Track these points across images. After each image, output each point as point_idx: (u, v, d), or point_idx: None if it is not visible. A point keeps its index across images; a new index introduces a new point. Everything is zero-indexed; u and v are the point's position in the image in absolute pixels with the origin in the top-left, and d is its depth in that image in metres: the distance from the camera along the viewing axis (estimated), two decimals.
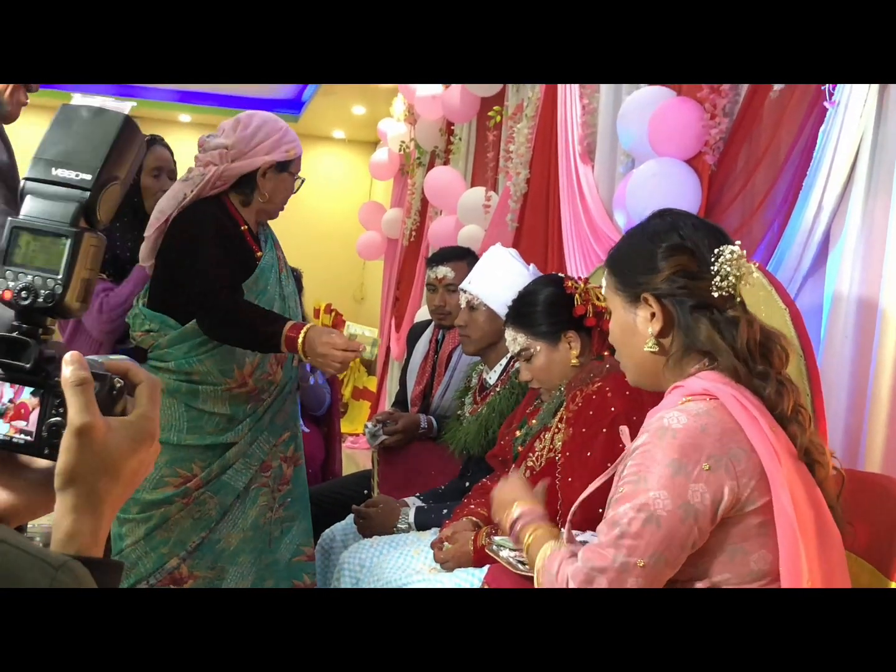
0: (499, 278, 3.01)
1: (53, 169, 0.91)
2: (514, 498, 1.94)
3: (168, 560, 2.65)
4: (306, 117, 9.62)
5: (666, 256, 1.66)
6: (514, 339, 2.55)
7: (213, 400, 2.71)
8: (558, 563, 1.64)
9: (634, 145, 3.44)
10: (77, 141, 0.92)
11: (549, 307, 2.53)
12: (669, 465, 1.51)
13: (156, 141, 3.35)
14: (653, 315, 1.67)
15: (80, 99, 0.95)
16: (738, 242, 1.65)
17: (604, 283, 1.80)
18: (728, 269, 1.60)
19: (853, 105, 2.47)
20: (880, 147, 2.47)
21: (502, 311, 2.97)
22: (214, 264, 2.64)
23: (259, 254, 2.80)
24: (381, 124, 7.95)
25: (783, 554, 1.50)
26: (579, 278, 2.61)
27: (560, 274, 2.84)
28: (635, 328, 1.71)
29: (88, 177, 0.90)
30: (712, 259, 1.62)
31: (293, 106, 9.76)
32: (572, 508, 1.80)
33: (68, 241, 0.90)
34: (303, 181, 2.90)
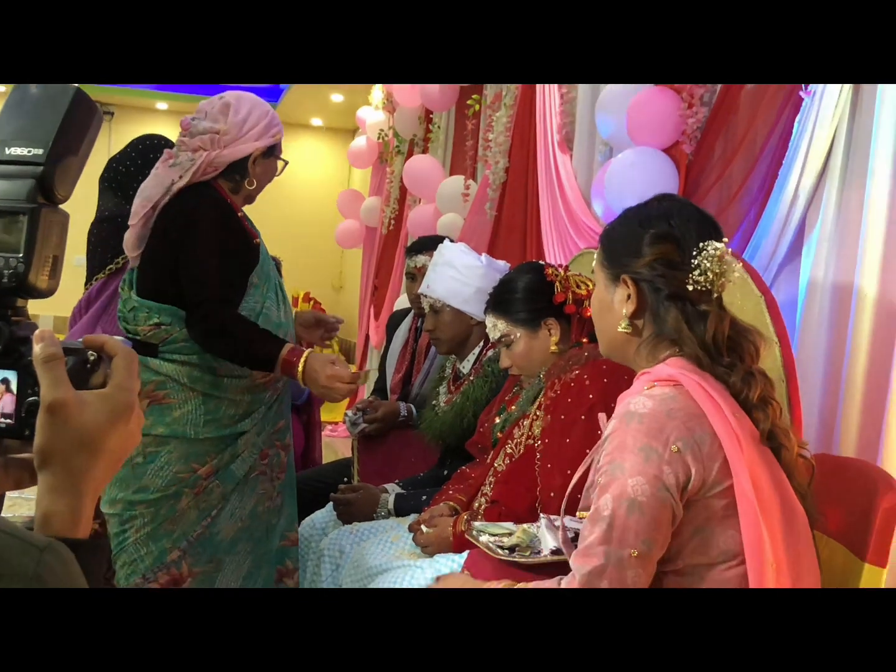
0: (455, 277, 3.03)
1: (7, 148, 0.89)
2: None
3: (170, 554, 2.60)
4: (284, 104, 9.59)
5: (651, 243, 1.67)
6: (495, 326, 2.57)
7: (234, 390, 2.66)
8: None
9: (612, 134, 3.46)
10: (29, 118, 0.91)
11: (529, 294, 2.54)
12: (641, 450, 1.53)
13: None
14: (628, 297, 1.70)
15: None
16: (725, 240, 1.66)
17: (595, 255, 1.83)
18: (707, 264, 1.62)
19: (829, 95, 2.49)
20: (855, 136, 2.50)
21: (466, 307, 3.01)
22: (213, 265, 2.57)
23: (257, 240, 2.75)
24: (360, 112, 7.94)
25: (746, 536, 1.52)
26: (560, 266, 2.63)
27: (541, 261, 2.86)
28: (611, 306, 1.74)
29: (41, 151, 0.89)
30: (695, 253, 1.64)
31: (271, 93, 9.73)
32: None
33: (26, 219, 0.88)
34: (286, 163, 2.87)
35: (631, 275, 1.69)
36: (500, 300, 2.59)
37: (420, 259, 3.69)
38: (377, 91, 7.68)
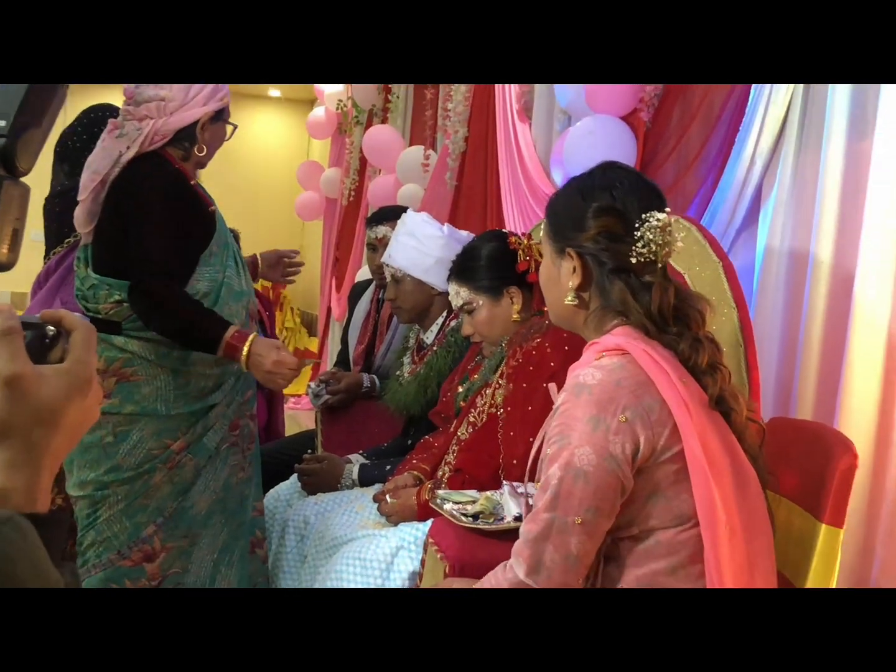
0: (416, 247, 3.03)
1: None
2: None
3: (144, 528, 2.55)
4: None
5: (595, 216, 1.67)
6: (457, 293, 2.58)
7: (202, 364, 2.60)
8: (497, 571, 1.67)
9: (571, 103, 3.47)
10: None
11: (493, 262, 2.56)
12: (589, 421, 1.54)
13: None
14: (574, 270, 1.70)
15: None
16: (667, 210, 1.66)
17: (542, 227, 1.83)
18: (650, 236, 1.62)
19: None
20: (811, 102, 2.52)
21: (427, 277, 3.02)
22: (160, 239, 2.48)
23: (212, 208, 2.67)
24: None
25: (698, 498, 1.54)
26: (523, 234, 2.64)
27: (504, 230, 2.86)
28: (558, 278, 1.74)
29: (3, 123, 0.88)
30: (637, 224, 1.64)
31: None
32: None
33: None
34: (235, 128, 2.79)
35: (575, 248, 1.69)
36: (463, 267, 2.61)
37: (381, 229, 3.68)
38: None
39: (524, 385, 2.31)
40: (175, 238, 2.52)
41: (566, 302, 1.72)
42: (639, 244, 1.63)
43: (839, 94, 2.36)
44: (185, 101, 2.59)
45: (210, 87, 2.63)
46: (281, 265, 3.11)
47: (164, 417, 2.56)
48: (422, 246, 3.02)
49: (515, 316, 2.53)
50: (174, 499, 2.59)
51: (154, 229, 2.49)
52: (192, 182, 2.65)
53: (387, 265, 3.14)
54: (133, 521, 2.54)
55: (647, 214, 1.63)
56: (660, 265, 1.65)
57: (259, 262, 3.11)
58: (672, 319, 1.65)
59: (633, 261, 1.63)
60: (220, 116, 2.70)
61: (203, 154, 2.67)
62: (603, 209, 1.67)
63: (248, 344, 2.46)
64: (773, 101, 2.57)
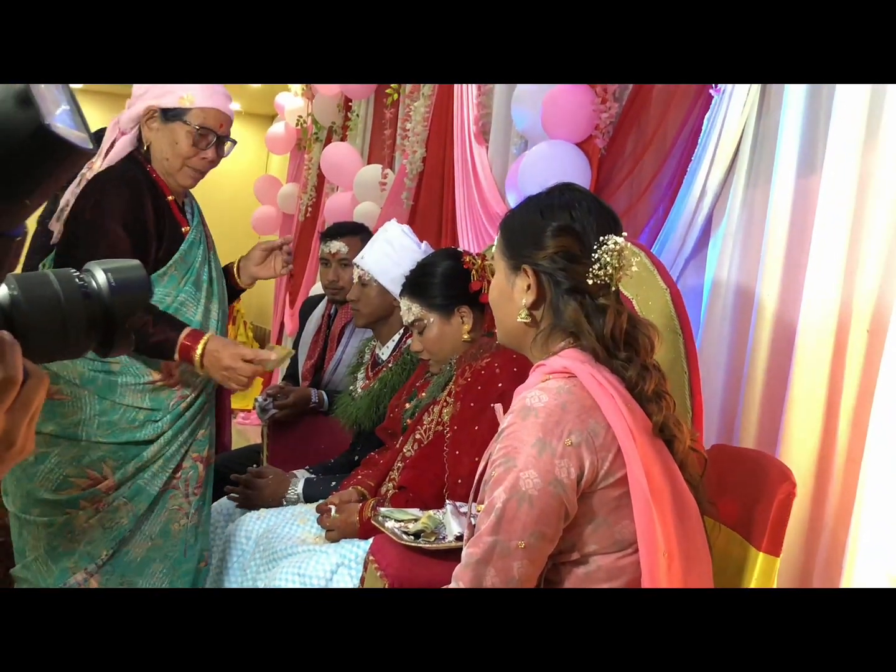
0: (390, 255, 3.03)
1: None
2: None
3: (73, 575, 2.39)
4: None
5: (553, 235, 1.67)
6: (409, 309, 2.58)
7: (132, 394, 2.45)
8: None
9: (528, 127, 3.49)
10: None
11: (446, 280, 2.56)
12: (535, 444, 1.53)
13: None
14: (528, 287, 1.69)
15: None
16: (624, 234, 1.67)
17: (495, 243, 1.83)
18: (608, 258, 1.62)
19: (738, 93, 2.55)
20: (762, 135, 2.56)
21: (393, 287, 3.00)
22: (110, 245, 2.33)
23: (186, 228, 2.57)
24: (279, 98, 7.86)
25: (639, 523, 1.54)
26: (477, 254, 2.65)
27: (459, 249, 2.86)
28: (511, 295, 1.73)
29: None
30: (595, 246, 1.64)
31: None
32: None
33: None
34: (217, 138, 2.56)
35: (531, 266, 1.68)
36: (416, 283, 2.61)
37: (335, 245, 3.68)
38: None
39: (472, 404, 2.31)
40: (127, 245, 2.38)
41: (518, 320, 1.71)
42: (595, 266, 1.63)
43: (789, 130, 2.39)
44: (140, 93, 2.47)
45: (173, 86, 2.44)
46: (271, 257, 2.85)
47: (85, 444, 2.42)
48: (396, 256, 3.01)
49: (465, 335, 2.53)
50: (109, 545, 2.44)
51: (104, 238, 2.37)
52: (170, 198, 2.53)
53: (356, 265, 3.13)
54: (59, 566, 2.40)
55: (605, 237, 1.64)
56: (613, 289, 1.66)
57: (236, 269, 2.88)
58: (623, 345, 1.66)
59: (590, 282, 1.63)
60: (180, 117, 2.48)
61: (161, 158, 2.50)
62: (562, 228, 1.67)
63: (203, 342, 2.38)
64: (725, 135, 2.61)
